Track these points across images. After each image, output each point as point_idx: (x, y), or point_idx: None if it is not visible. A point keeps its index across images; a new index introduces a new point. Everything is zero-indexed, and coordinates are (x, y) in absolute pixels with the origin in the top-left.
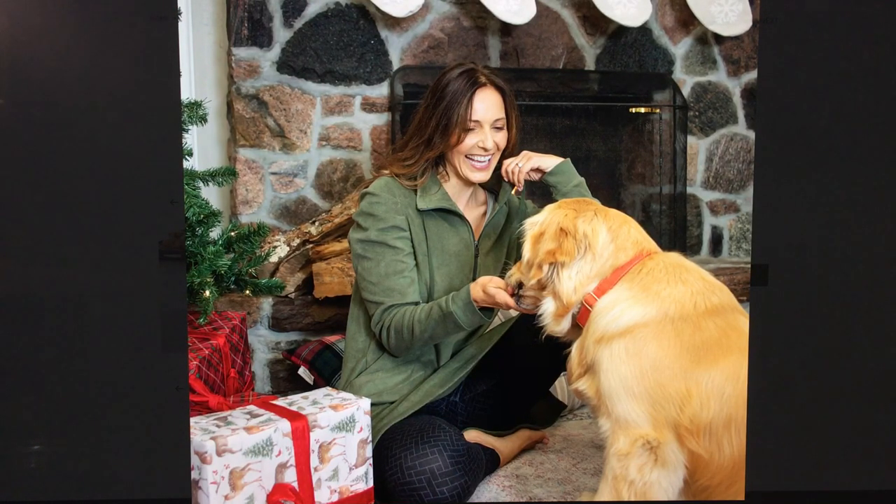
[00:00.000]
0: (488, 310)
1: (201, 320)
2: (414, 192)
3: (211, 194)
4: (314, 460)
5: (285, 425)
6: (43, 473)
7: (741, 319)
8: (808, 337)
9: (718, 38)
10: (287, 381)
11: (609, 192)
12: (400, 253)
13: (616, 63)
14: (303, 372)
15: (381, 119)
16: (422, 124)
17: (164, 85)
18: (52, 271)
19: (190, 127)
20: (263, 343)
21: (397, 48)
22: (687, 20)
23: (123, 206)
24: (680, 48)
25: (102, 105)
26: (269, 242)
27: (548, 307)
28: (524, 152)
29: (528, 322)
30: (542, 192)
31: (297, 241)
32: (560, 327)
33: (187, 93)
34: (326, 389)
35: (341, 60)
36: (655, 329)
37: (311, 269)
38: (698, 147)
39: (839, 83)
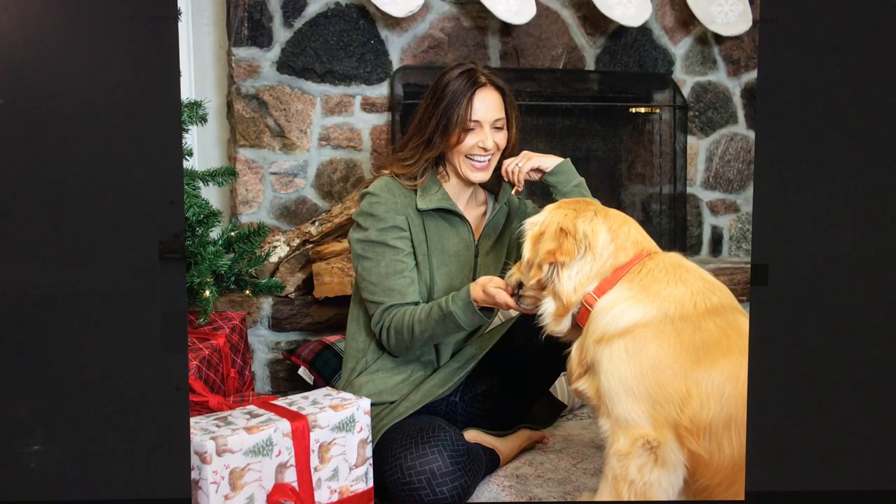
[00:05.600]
0: (488, 310)
1: (201, 320)
2: (414, 192)
3: (211, 194)
4: (314, 460)
5: (285, 425)
6: (43, 473)
7: (741, 319)
8: (808, 337)
9: (718, 38)
10: (287, 381)
11: (609, 192)
12: (400, 253)
13: (616, 63)
14: (303, 372)
15: (381, 119)
16: (422, 124)
17: (164, 85)
18: (52, 271)
19: (190, 127)
20: (263, 343)
21: (397, 48)
22: (687, 20)
23: (123, 206)
24: (680, 48)
25: (102, 105)
26: (269, 242)
27: (548, 307)
28: (524, 152)
29: (528, 322)
30: (542, 192)
31: (297, 241)
32: (560, 327)
33: (187, 93)
34: (326, 389)
35: (341, 60)
36: (655, 329)
37: (311, 269)
38: (698, 147)
39: (839, 83)
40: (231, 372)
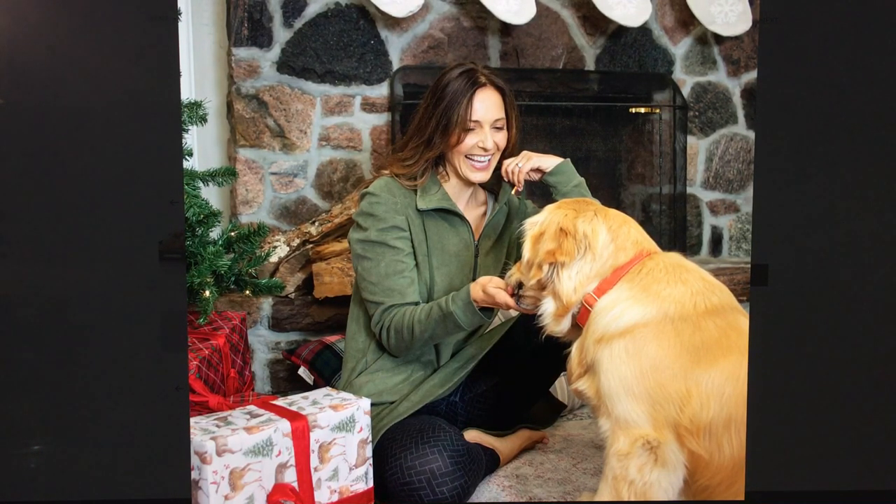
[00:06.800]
0: (488, 310)
1: (201, 320)
2: (414, 192)
3: (211, 194)
4: (314, 460)
5: (285, 425)
6: (43, 473)
7: (741, 319)
8: (808, 337)
9: (718, 38)
10: (287, 381)
11: (609, 192)
12: (400, 253)
13: (616, 63)
14: (303, 372)
15: (381, 119)
16: (422, 124)
17: (164, 85)
18: (52, 271)
19: (190, 127)
20: (263, 343)
21: (397, 48)
22: (687, 20)
23: (123, 206)
24: (680, 48)
25: (102, 105)
26: (269, 242)
27: (548, 307)
28: (524, 152)
29: (528, 322)
30: (542, 192)
31: (297, 241)
32: (560, 327)
33: (187, 93)
34: (326, 389)
35: (341, 60)
36: (655, 329)
37: (311, 269)
38: (698, 147)
39: (839, 83)
40: (231, 372)
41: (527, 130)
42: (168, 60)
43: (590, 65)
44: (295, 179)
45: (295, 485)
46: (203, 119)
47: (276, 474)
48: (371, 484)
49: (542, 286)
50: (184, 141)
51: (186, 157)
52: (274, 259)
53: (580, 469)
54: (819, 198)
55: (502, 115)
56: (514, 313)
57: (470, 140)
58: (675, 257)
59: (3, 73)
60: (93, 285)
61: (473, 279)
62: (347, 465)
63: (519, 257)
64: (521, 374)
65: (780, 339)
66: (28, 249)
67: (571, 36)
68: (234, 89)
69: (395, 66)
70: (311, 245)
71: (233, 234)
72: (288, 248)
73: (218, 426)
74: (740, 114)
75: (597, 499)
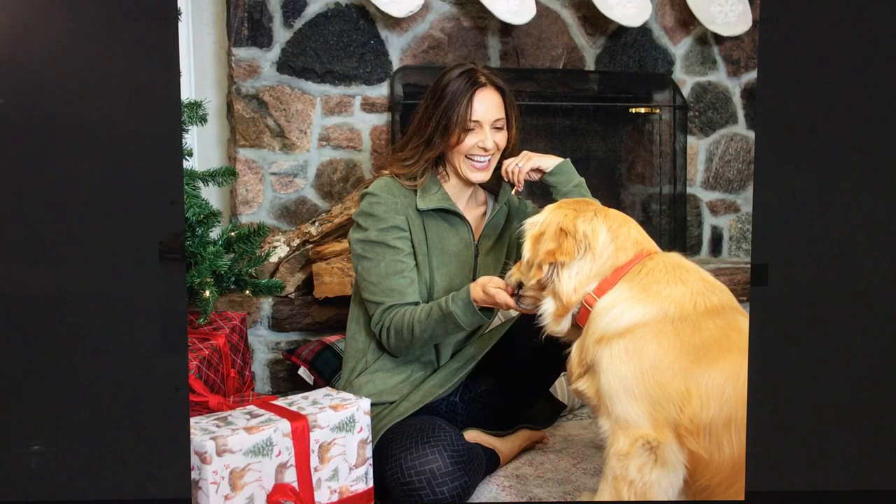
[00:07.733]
0: (488, 310)
1: (201, 320)
2: (414, 192)
3: (211, 194)
4: (314, 460)
5: (285, 425)
6: (43, 473)
7: (741, 319)
8: (808, 337)
9: (718, 38)
10: (287, 381)
11: (609, 192)
12: (400, 253)
13: (616, 63)
14: (303, 372)
15: (381, 119)
16: (422, 124)
17: (164, 85)
18: (52, 271)
19: (190, 127)
20: (263, 343)
21: (397, 48)
22: (687, 20)
23: (123, 206)
24: (680, 48)
25: (102, 105)
26: (269, 242)
27: (548, 307)
28: (524, 152)
29: (528, 322)
30: (542, 192)
31: (297, 241)
32: (560, 327)
33: (187, 93)
34: (326, 389)
35: (341, 60)
36: (655, 329)
37: (311, 269)
38: (698, 147)
39: (839, 83)
40: (231, 372)
41: (527, 130)
42: (168, 60)
43: (590, 65)
44: (295, 179)
45: (295, 485)
46: (203, 119)
47: (276, 474)
48: (371, 484)
49: (542, 286)
50: (184, 141)
51: (186, 157)
52: (274, 259)
53: (580, 469)
54: (819, 198)
55: (502, 115)
56: (514, 313)
57: (470, 140)
58: (675, 257)
59: (3, 73)
60: (93, 285)
61: (473, 279)
62: (347, 465)
63: (519, 257)
64: (521, 374)
65: (780, 339)
66: (28, 249)
67: (571, 36)
68: (234, 89)
69: (395, 66)
70: (311, 245)
71: (233, 234)
72: (288, 248)
73: (218, 426)
74: (740, 114)
75: (597, 499)
